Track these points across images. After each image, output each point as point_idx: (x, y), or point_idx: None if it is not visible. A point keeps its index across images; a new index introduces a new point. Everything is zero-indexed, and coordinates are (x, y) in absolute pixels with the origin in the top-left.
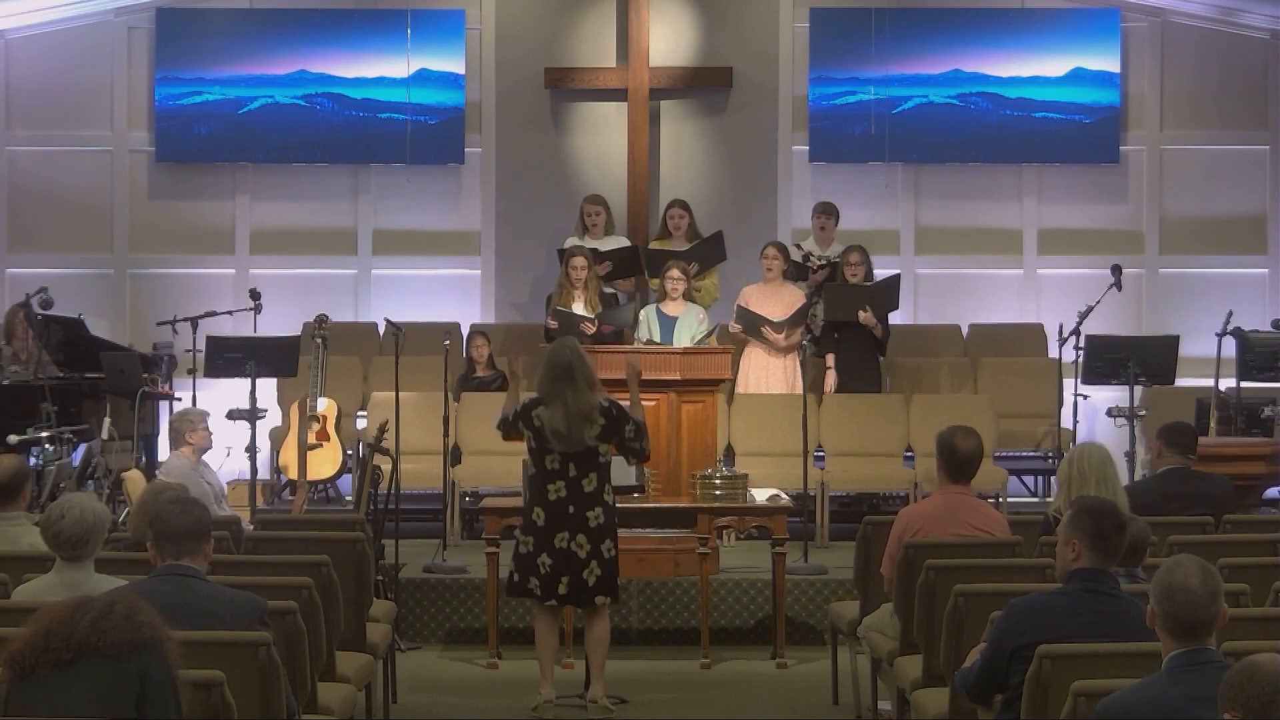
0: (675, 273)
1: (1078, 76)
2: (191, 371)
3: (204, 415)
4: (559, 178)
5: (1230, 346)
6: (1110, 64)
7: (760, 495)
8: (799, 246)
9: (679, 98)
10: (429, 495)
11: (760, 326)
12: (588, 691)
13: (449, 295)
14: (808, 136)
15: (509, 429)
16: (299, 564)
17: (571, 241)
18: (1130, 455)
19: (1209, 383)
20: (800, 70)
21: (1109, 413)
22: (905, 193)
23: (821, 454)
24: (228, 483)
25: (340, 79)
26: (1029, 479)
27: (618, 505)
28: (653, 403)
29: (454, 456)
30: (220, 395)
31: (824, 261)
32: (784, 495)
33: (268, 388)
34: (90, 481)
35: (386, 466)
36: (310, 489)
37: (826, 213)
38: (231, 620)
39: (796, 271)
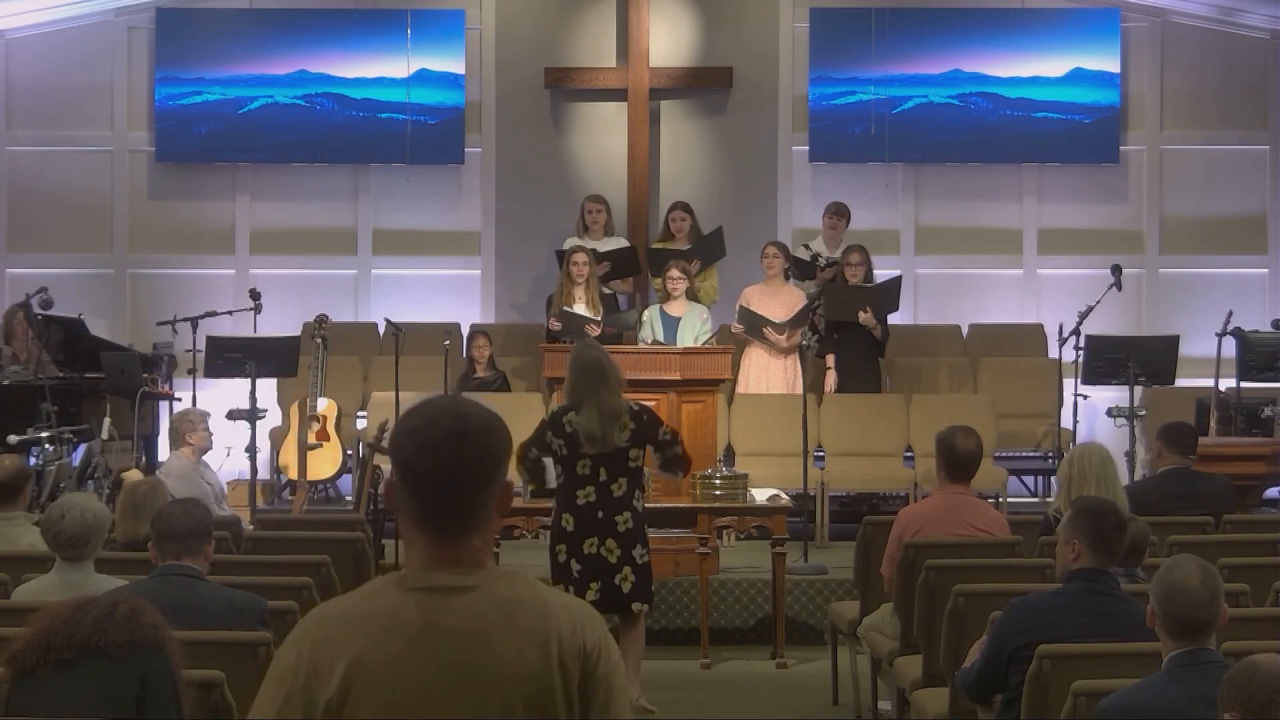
0: (675, 272)
1: (1078, 76)
2: (191, 371)
3: (205, 416)
4: (559, 178)
5: (1230, 346)
6: (1110, 64)
7: (760, 495)
8: (807, 246)
9: (679, 98)
10: None
11: (762, 328)
12: None
13: (449, 295)
14: (808, 136)
15: (540, 450)
16: (299, 564)
17: (571, 242)
18: (1130, 455)
19: (1209, 383)
20: (800, 70)
21: (1109, 413)
22: (905, 193)
23: (821, 454)
24: (228, 483)
25: (340, 79)
26: (1029, 479)
27: None
28: (653, 403)
29: None
30: (220, 395)
31: (832, 261)
32: (784, 495)
33: (268, 388)
34: (90, 481)
35: (387, 466)
36: (310, 489)
37: (838, 213)
38: (232, 620)
39: (804, 271)
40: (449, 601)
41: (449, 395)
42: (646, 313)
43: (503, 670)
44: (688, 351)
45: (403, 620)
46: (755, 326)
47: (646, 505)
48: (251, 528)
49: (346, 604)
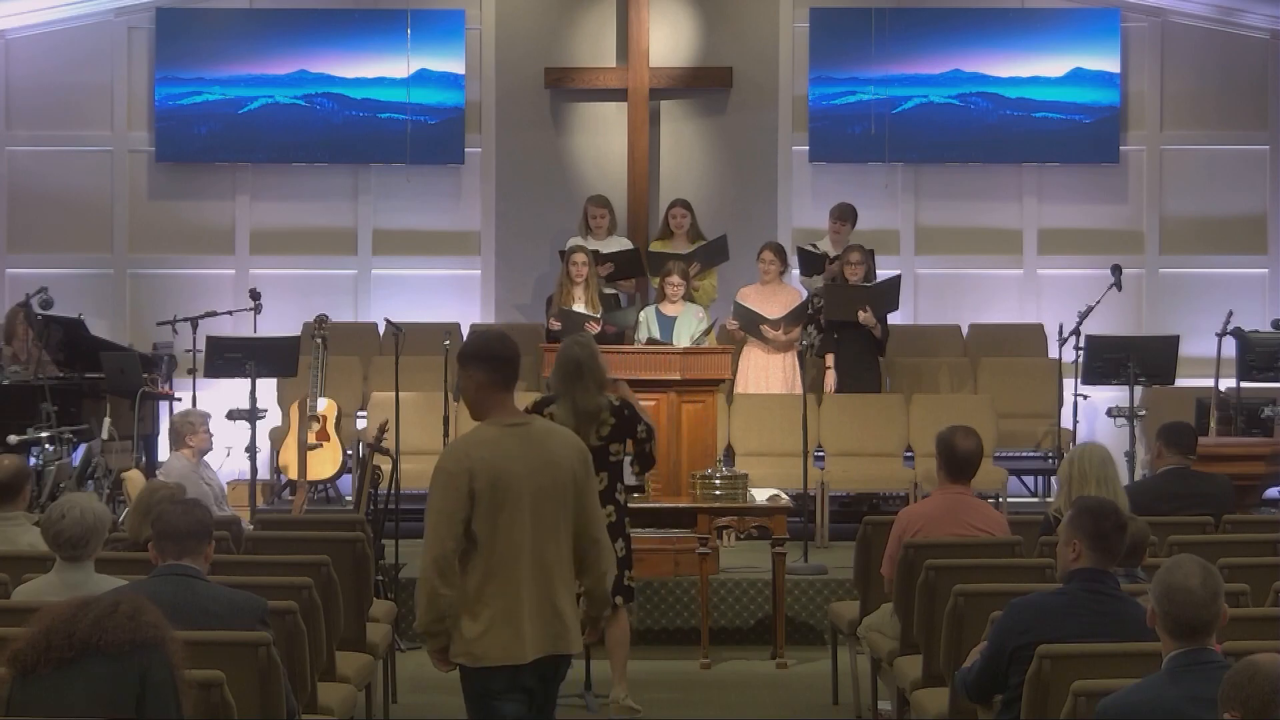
0: (675, 278)
1: (1078, 76)
2: (191, 371)
3: (205, 417)
4: (559, 178)
5: (1230, 346)
6: (1110, 64)
7: (760, 495)
8: (815, 246)
9: (679, 98)
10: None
11: (758, 324)
12: (611, 692)
13: (449, 295)
14: (808, 136)
15: None
16: (299, 564)
17: (574, 242)
18: (1130, 455)
19: (1209, 383)
20: (800, 70)
21: (1109, 413)
22: (905, 193)
23: (821, 454)
24: (228, 483)
25: (340, 79)
26: (1029, 479)
27: None
28: (653, 403)
29: None
30: (220, 395)
31: (838, 257)
32: (784, 495)
33: (268, 388)
34: (90, 481)
35: (386, 466)
36: (310, 489)
37: (840, 218)
38: (232, 620)
39: (813, 265)
40: (519, 429)
41: (492, 326)
42: (643, 313)
43: (556, 458)
44: (688, 351)
45: (501, 440)
46: (751, 323)
47: (647, 505)
48: (251, 528)
49: (472, 436)
